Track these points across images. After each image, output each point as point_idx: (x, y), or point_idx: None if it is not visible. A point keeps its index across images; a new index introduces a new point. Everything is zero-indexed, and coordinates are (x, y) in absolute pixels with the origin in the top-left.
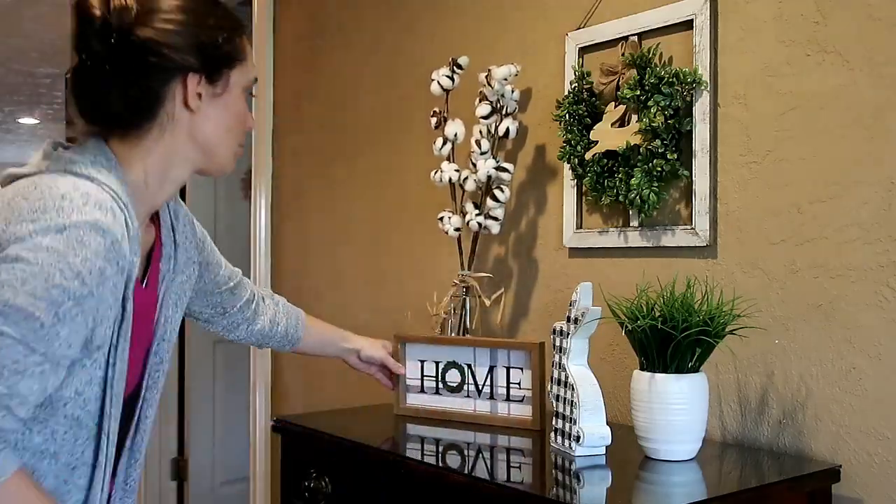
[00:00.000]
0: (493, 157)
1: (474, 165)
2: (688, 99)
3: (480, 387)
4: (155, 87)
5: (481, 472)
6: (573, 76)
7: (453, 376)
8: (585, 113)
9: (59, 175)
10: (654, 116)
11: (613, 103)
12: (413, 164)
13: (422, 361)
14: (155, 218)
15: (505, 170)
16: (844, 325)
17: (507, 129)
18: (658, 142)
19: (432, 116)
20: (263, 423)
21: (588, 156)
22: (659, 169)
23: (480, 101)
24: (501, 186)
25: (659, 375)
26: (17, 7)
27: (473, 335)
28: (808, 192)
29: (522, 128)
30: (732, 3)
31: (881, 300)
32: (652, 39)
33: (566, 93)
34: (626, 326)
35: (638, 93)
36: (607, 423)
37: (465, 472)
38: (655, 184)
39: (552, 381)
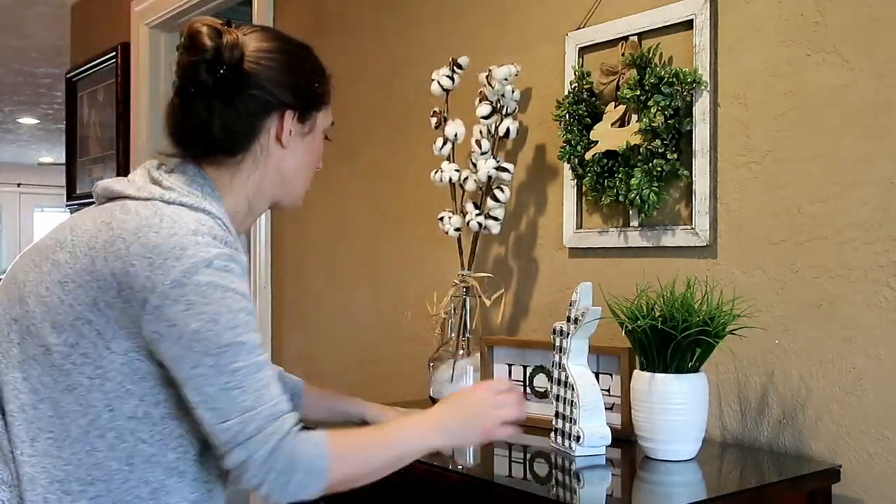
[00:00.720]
0: (494, 157)
1: (474, 165)
2: (688, 99)
3: None
4: (254, 119)
5: (569, 482)
6: (573, 76)
7: (541, 381)
8: (585, 113)
9: (177, 207)
10: (654, 116)
11: (613, 103)
12: (413, 164)
13: (509, 365)
14: None
15: (505, 170)
16: (844, 325)
17: (508, 129)
18: (658, 142)
19: (432, 116)
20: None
21: (588, 156)
22: (659, 169)
23: (480, 101)
24: (501, 186)
25: (659, 375)
26: (17, 7)
27: (473, 336)
28: (808, 192)
29: (522, 128)
30: (732, 3)
31: (881, 300)
32: (652, 39)
33: (566, 93)
34: (626, 326)
35: (638, 93)
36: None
37: (512, 476)
38: (655, 184)
39: (552, 381)
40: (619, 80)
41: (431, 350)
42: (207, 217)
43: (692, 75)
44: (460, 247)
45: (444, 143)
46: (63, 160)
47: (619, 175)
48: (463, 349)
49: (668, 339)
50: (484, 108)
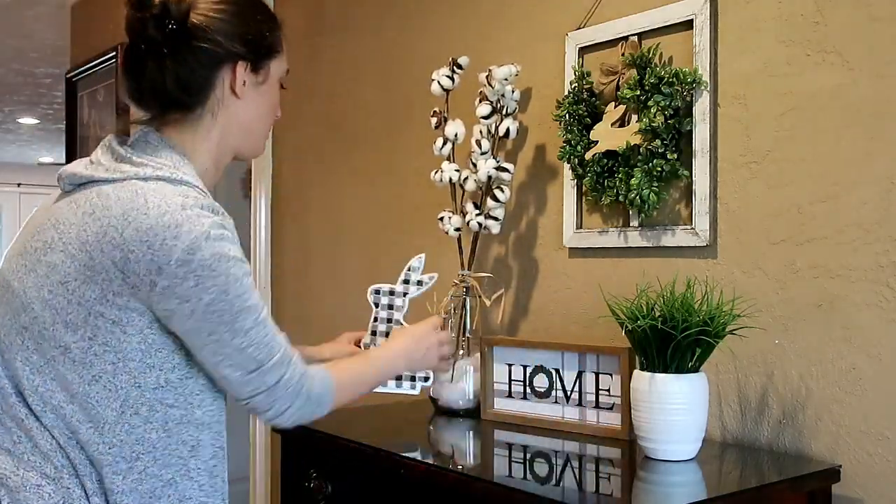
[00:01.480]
0: (494, 157)
1: (474, 165)
2: (688, 99)
3: (569, 393)
4: (206, 72)
5: (569, 482)
6: (573, 76)
7: (541, 381)
8: (585, 113)
9: (155, 182)
10: (654, 116)
11: (613, 103)
12: (413, 163)
13: (509, 365)
14: None
15: (505, 170)
16: (844, 325)
17: (508, 129)
18: (658, 142)
19: (432, 116)
20: (263, 423)
21: (588, 156)
22: (659, 169)
23: (480, 101)
24: (501, 186)
25: (659, 375)
26: (17, 7)
27: (473, 336)
28: (808, 192)
29: (522, 128)
30: (732, 3)
31: (881, 300)
32: (652, 39)
33: (566, 93)
34: (626, 326)
35: (638, 93)
36: None
37: (556, 480)
38: (655, 184)
39: (377, 335)
40: (619, 80)
41: None
42: (188, 188)
43: (692, 75)
44: (460, 247)
45: (444, 143)
46: (63, 160)
47: (619, 175)
48: (463, 349)
49: (668, 339)
50: (484, 108)
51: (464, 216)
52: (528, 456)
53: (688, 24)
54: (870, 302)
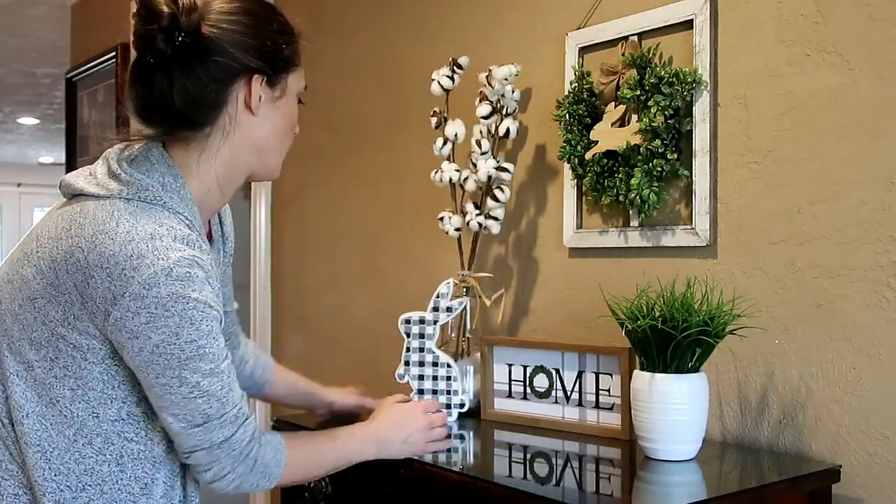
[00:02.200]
0: (494, 157)
1: (474, 165)
2: (688, 99)
3: (569, 393)
4: (218, 87)
5: (569, 482)
6: (573, 76)
7: (541, 381)
8: (585, 113)
9: (135, 204)
10: (654, 116)
11: (613, 103)
12: (413, 163)
13: (509, 365)
14: None
15: (505, 170)
16: (844, 325)
17: (508, 129)
18: (658, 142)
19: (432, 116)
20: (263, 422)
21: (588, 156)
22: (659, 169)
23: (480, 101)
24: (501, 186)
25: (659, 375)
26: (17, 7)
27: (473, 336)
28: (808, 192)
29: (522, 128)
30: (732, 3)
31: (881, 300)
32: (652, 39)
33: (566, 93)
34: (626, 326)
35: (638, 93)
36: None
37: (556, 480)
38: (655, 184)
39: (410, 364)
40: (619, 80)
41: None
42: (169, 214)
43: (692, 75)
44: (460, 247)
45: (444, 143)
46: (63, 160)
47: (619, 175)
48: (463, 349)
49: (668, 339)
50: (484, 108)
51: (464, 216)
52: (528, 456)
53: (688, 24)
54: (870, 302)
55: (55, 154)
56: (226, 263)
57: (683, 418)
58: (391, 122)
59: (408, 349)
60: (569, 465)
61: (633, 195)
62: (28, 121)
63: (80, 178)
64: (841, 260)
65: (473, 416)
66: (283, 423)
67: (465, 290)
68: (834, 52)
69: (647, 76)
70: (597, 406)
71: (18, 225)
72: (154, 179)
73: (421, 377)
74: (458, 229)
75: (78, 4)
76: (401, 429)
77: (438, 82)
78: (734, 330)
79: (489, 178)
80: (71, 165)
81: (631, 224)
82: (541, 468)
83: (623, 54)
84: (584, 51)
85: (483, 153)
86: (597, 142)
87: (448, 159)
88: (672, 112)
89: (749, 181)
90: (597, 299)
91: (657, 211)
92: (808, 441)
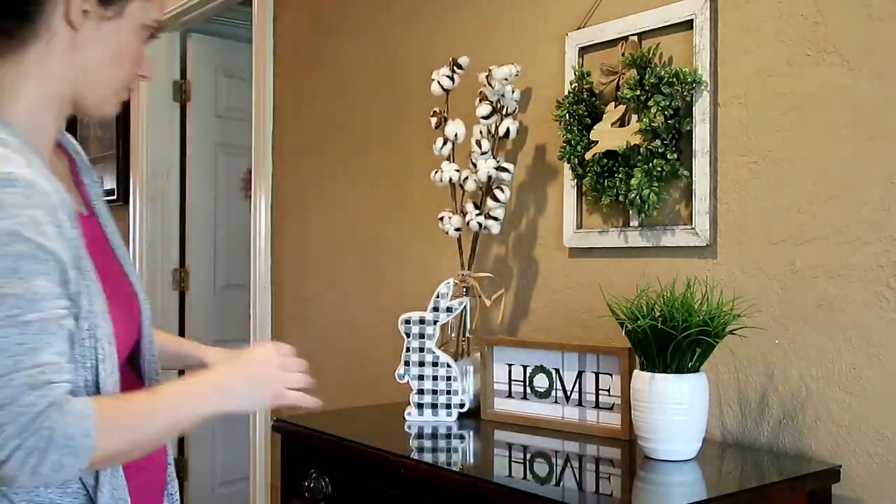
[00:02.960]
0: (494, 157)
1: (474, 165)
2: (688, 99)
3: (569, 393)
4: None
5: (569, 482)
6: (573, 76)
7: (541, 381)
8: (585, 113)
9: None
10: (654, 116)
11: (613, 103)
12: (413, 164)
13: (509, 365)
14: (58, 145)
15: (505, 170)
16: (844, 325)
17: (508, 129)
18: (658, 142)
19: (432, 116)
20: (263, 422)
21: (588, 156)
22: (659, 169)
23: (480, 101)
24: (501, 186)
25: (659, 375)
26: None
27: (473, 336)
28: (808, 192)
29: (522, 128)
30: (732, 3)
31: (881, 300)
32: (652, 39)
33: (566, 93)
34: (626, 326)
35: (638, 93)
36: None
37: (556, 479)
38: (655, 184)
39: (410, 364)
40: (619, 80)
41: None
42: None
43: (692, 75)
44: (460, 247)
45: (444, 143)
46: None
47: (619, 175)
48: (463, 349)
49: (668, 339)
50: (484, 108)
51: (464, 216)
52: (528, 456)
53: (688, 24)
54: (870, 302)
55: None
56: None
57: (683, 418)
58: (391, 122)
59: (408, 349)
60: (569, 465)
61: (633, 195)
62: None
63: None
64: (841, 260)
65: (473, 416)
66: (284, 423)
67: (465, 290)
68: (834, 52)
69: (647, 76)
70: (597, 406)
71: None
72: None
73: (421, 377)
74: (458, 229)
75: None
76: (248, 372)
77: (438, 82)
78: (734, 330)
79: (489, 178)
80: None
81: (631, 224)
82: (541, 468)
83: (623, 54)
84: (584, 51)
85: (483, 153)
86: (597, 142)
87: (448, 159)
88: (672, 112)
89: (749, 181)
90: (597, 299)
91: (657, 211)
92: (808, 441)
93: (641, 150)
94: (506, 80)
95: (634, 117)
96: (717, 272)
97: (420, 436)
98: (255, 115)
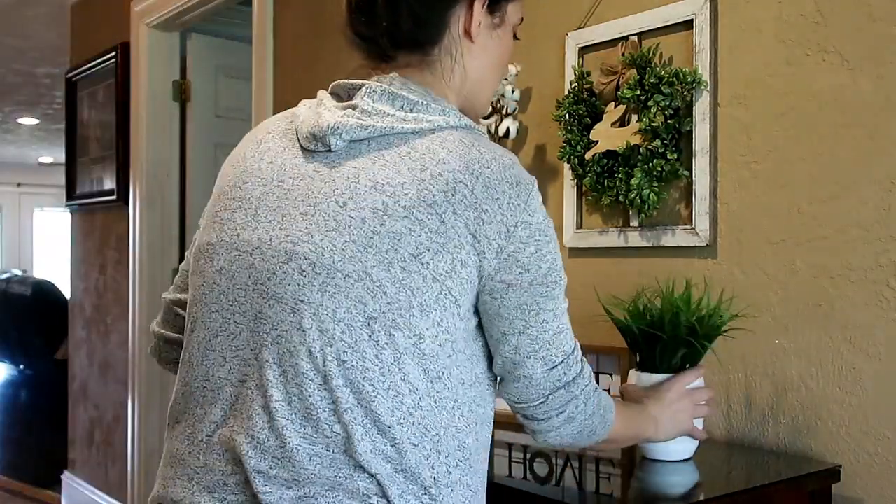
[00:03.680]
0: None
1: None
2: (688, 99)
3: None
4: (442, 7)
5: (569, 482)
6: (573, 76)
7: None
8: (585, 113)
9: (469, 133)
10: (654, 116)
11: (613, 103)
12: None
13: None
14: None
15: None
16: (844, 325)
17: (508, 129)
18: (658, 142)
19: None
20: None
21: (588, 156)
22: (659, 169)
23: None
24: None
25: (645, 375)
26: (17, 7)
27: None
28: (808, 192)
29: (522, 128)
30: (732, 3)
31: (881, 300)
32: (652, 39)
33: (566, 93)
34: (620, 326)
35: (638, 93)
36: None
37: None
38: (655, 184)
39: None
40: (619, 80)
41: None
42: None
43: (692, 75)
44: None
45: None
46: (63, 160)
47: (619, 175)
48: None
49: (658, 339)
50: None
51: None
52: (528, 456)
53: (688, 24)
54: (870, 302)
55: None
56: None
57: None
58: None
59: None
60: (569, 465)
61: (633, 195)
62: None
63: (373, 116)
64: (841, 260)
65: None
66: None
67: None
68: (834, 52)
69: (647, 76)
70: None
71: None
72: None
73: None
74: None
75: (78, 4)
76: (671, 411)
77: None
78: (727, 330)
79: None
80: (71, 165)
81: (631, 224)
82: (541, 468)
83: (623, 54)
84: (584, 51)
85: None
86: (597, 142)
87: None
88: (672, 112)
89: (749, 181)
90: (596, 299)
91: (657, 211)
92: (808, 441)
93: (641, 150)
94: (506, 80)
95: (634, 117)
96: (717, 272)
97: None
98: (255, 115)
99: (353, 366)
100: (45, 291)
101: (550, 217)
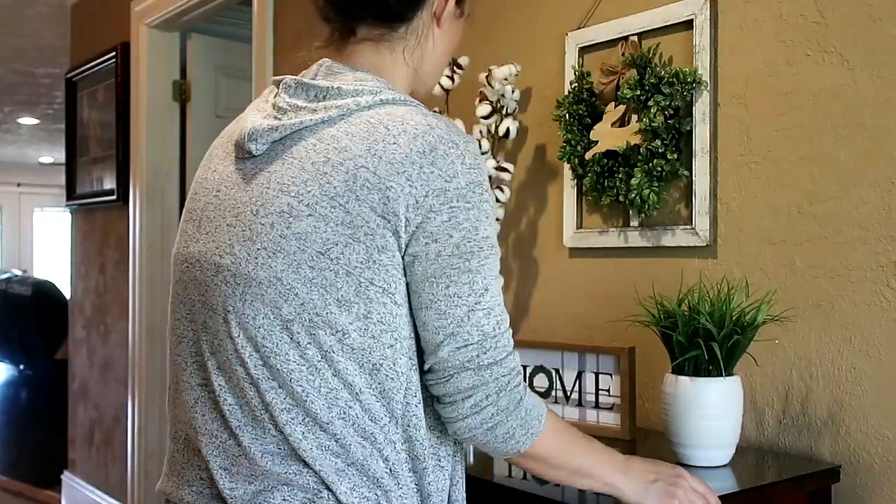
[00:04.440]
0: (494, 158)
1: None
2: (688, 99)
3: (569, 393)
4: None
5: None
6: (573, 76)
7: (541, 381)
8: (585, 113)
9: (413, 108)
10: (654, 116)
11: (613, 103)
12: None
13: None
14: None
15: (505, 170)
16: (844, 325)
17: (508, 130)
18: (658, 142)
19: None
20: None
21: (588, 156)
22: (659, 169)
23: (480, 101)
24: (502, 187)
25: (698, 379)
26: (17, 7)
27: None
28: (808, 192)
29: (522, 128)
30: (732, 3)
31: (881, 300)
32: (652, 39)
33: (566, 93)
34: (659, 328)
35: (638, 93)
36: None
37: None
38: (655, 184)
39: None
40: (619, 80)
41: None
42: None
43: (692, 75)
44: None
45: None
46: (63, 160)
47: (619, 175)
48: None
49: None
50: (484, 108)
51: None
52: None
53: (688, 24)
54: (870, 302)
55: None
56: None
57: (719, 423)
58: None
59: None
60: None
61: (633, 195)
62: (28, 121)
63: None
64: (841, 260)
65: None
66: None
67: None
68: (834, 52)
69: (647, 76)
70: (596, 406)
71: (19, 225)
72: (371, 81)
73: None
74: None
75: (78, 4)
76: (655, 475)
77: (438, 82)
78: (767, 321)
79: (489, 178)
80: (71, 165)
81: (631, 224)
82: None
83: (623, 54)
84: (584, 51)
85: (483, 153)
86: (597, 142)
87: None
88: (672, 112)
89: (749, 181)
90: (597, 299)
91: (657, 211)
92: (808, 441)
93: (641, 150)
94: (506, 80)
95: (634, 117)
96: (717, 272)
97: None
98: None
99: (279, 369)
100: (45, 291)
101: (502, 192)
